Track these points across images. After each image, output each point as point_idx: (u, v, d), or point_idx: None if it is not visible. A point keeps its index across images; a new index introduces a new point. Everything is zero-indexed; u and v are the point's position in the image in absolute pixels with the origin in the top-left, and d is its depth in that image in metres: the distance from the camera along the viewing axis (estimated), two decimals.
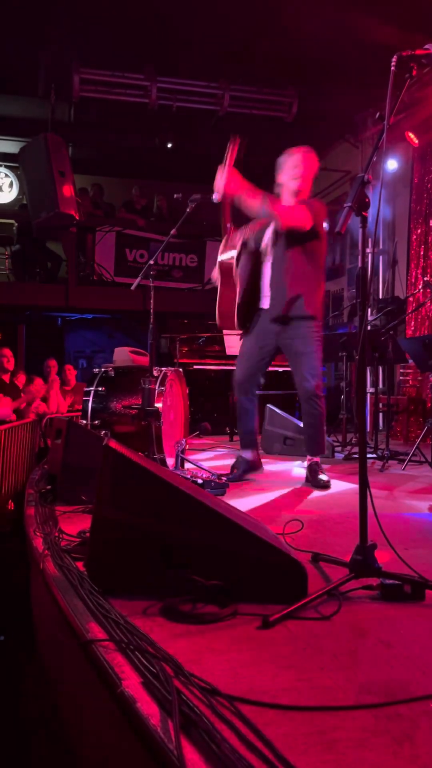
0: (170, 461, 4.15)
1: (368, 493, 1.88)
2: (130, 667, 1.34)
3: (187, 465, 4.23)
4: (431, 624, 1.65)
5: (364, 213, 1.85)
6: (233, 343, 7.55)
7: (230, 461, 5.04)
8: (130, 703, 1.21)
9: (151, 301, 3.96)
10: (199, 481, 3.37)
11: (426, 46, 1.90)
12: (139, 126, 8.14)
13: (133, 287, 4.08)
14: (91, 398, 4.20)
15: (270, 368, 8.15)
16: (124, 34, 6.35)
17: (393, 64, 1.88)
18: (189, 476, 3.49)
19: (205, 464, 4.30)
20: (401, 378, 7.41)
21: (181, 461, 4.20)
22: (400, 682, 1.32)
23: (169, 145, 9.02)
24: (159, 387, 4.04)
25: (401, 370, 7.32)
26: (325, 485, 3.73)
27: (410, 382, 7.32)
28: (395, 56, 1.88)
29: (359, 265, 1.86)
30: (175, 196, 4.21)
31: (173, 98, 7.33)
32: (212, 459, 5.15)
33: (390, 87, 1.86)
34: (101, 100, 7.27)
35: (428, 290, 6.26)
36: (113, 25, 6.22)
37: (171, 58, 6.91)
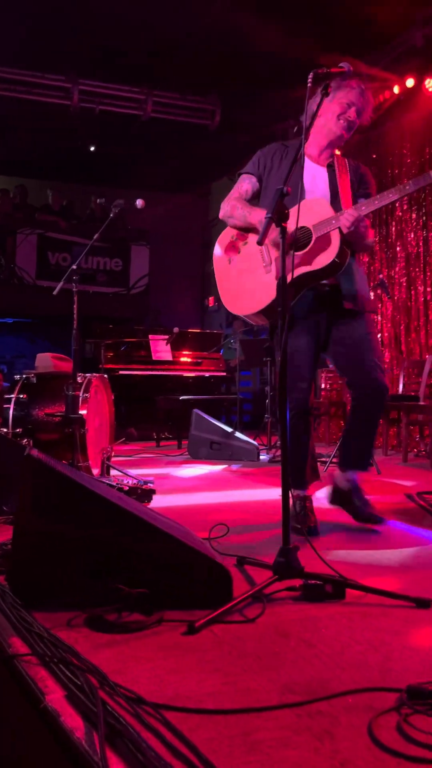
0: (96, 469, 4.10)
1: (291, 495, 1.93)
2: (53, 680, 1.32)
3: (113, 472, 4.19)
4: (351, 622, 1.71)
5: (283, 224, 1.90)
6: (159, 348, 7.55)
7: (157, 470, 5.04)
8: (54, 717, 1.19)
9: (75, 305, 3.90)
10: (125, 488, 3.35)
11: (341, 65, 1.98)
12: (62, 128, 8.01)
13: (55, 291, 4.02)
14: (12, 406, 4.10)
15: (196, 373, 8.16)
16: (45, 35, 6.24)
17: (309, 80, 1.95)
18: (114, 483, 3.46)
19: (132, 471, 4.27)
20: (323, 382, 7.62)
21: (106, 468, 4.16)
22: (321, 680, 1.36)
23: (92, 148, 8.92)
24: (83, 393, 3.99)
25: (323, 374, 7.52)
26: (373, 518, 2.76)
27: (331, 385, 7.54)
28: (311, 73, 1.95)
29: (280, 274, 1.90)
30: (98, 201, 4.17)
31: (96, 101, 7.26)
32: (139, 465, 5.12)
33: (307, 102, 1.93)
34: (21, 100, 7.11)
35: None
36: (33, 25, 6.10)
37: (93, 61, 6.84)
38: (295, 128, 2.15)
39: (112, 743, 1.10)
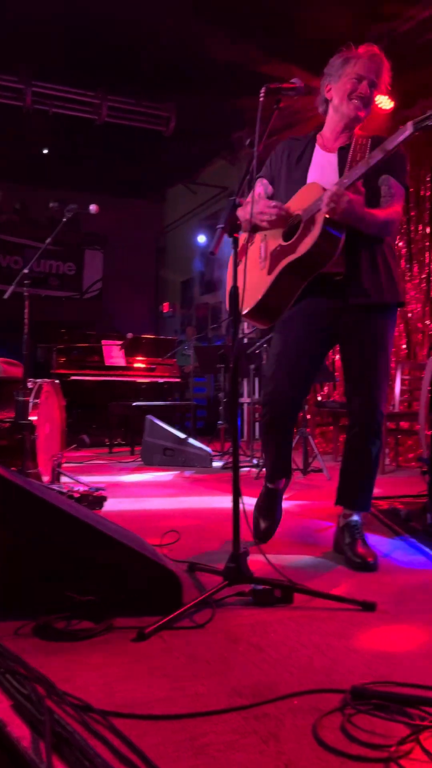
0: (46, 476, 4.05)
1: (241, 501, 1.95)
2: None
3: (64, 479, 4.15)
4: (299, 626, 1.74)
5: (235, 234, 1.93)
6: (113, 353, 7.50)
7: (109, 477, 5.00)
8: (0, 727, 1.18)
9: (26, 309, 3.85)
10: (76, 495, 3.32)
11: (292, 80, 2.03)
12: (15, 129, 7.91)
13: (6, 295, 3.96)
14: None
15: (150, 379, 8.10)
16: None
17: (261, 94, 1.99)
18: (65, 491, 3.43)
19: (83, 478, 4.23)
20: None
21: (57, 475, 4.11)
22: (269, 684, 1.39)
23: (45, 151, 8.83)
24: (33, 399, 3.94)
25: None
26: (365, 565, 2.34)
27: None
28: (263, 87, 1.99)
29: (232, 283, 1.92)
30: (50, 205, 4.11)
31: (49, 104, 7.20)
32: (90, 472, 5.08)
33: (259, 115, 1.97)
34: None
35: None
36: None
37: (48, 63, 6.79)
38: (248, 141, 2.12)
39: (59, 752, 1.10)
